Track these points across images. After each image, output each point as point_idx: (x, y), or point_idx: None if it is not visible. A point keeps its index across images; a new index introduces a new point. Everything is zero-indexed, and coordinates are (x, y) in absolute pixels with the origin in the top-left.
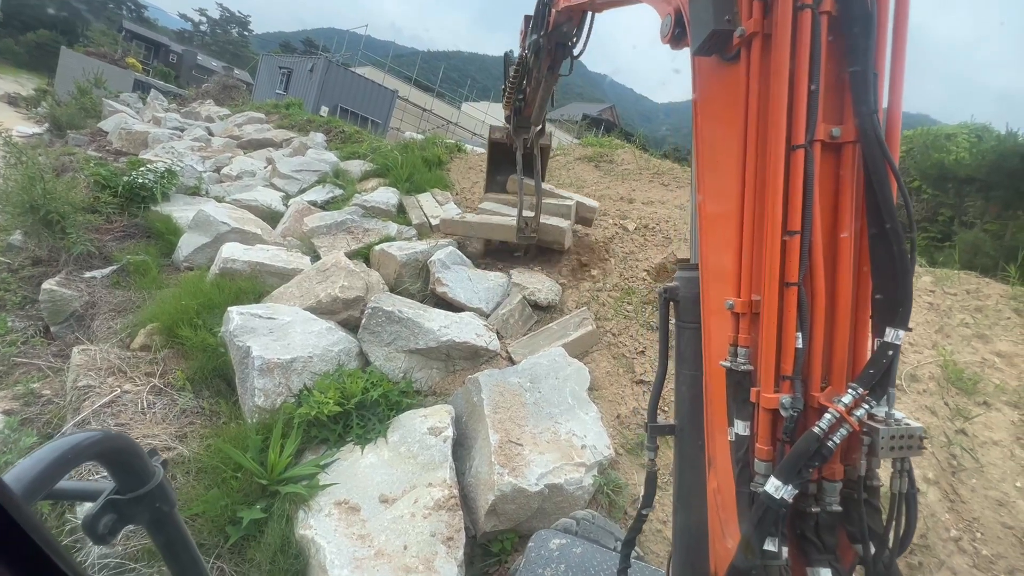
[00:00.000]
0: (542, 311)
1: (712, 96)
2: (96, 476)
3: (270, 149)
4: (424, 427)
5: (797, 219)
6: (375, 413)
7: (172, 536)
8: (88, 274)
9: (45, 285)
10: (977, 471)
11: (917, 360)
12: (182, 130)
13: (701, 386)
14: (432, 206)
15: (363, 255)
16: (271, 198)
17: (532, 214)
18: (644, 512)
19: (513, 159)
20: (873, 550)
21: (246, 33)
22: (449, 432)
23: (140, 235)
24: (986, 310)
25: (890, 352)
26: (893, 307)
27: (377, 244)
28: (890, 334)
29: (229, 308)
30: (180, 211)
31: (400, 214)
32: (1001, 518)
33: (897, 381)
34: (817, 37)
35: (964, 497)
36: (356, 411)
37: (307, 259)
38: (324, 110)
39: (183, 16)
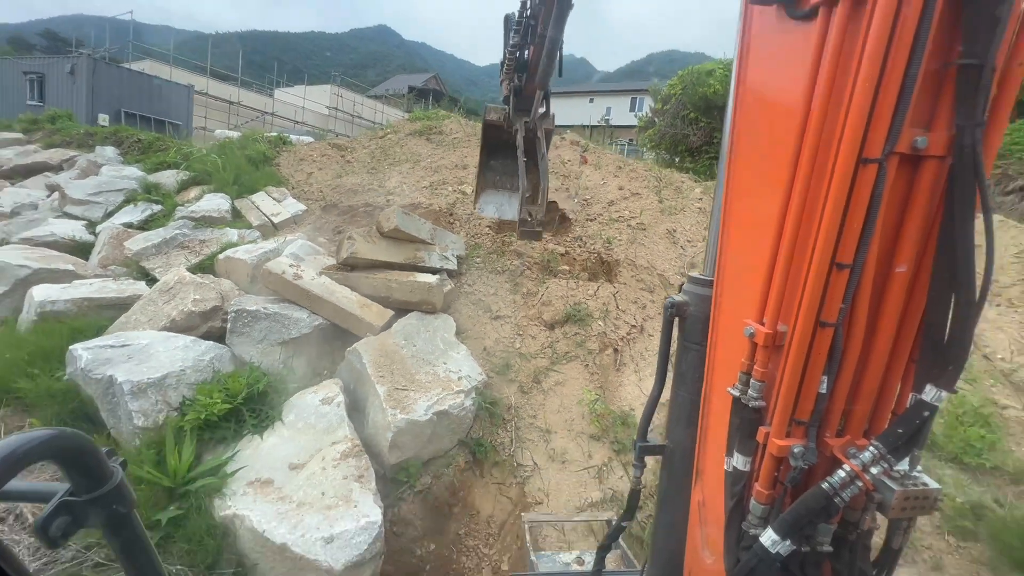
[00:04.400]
0: None
1: (764, 65)
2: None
3: (47, 174)
4: (316, 400)
5: (850, 249)
6: (265, 403)
7: (129, 538)
8: None
9: None
10: None
11: (693, 252)
12: None
13: (698, 411)
14: (270, 204)
15: (206, 267)
16: (71, 229)
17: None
18: (624, 524)
19: (509, 145)
20: None
21: None
22: (341, 399)
23: None
24: None
25: (925, 413)
26: (941, 363)
27: (220, 253)
28: (931, 393)
29: (71, 347)
30: None
31: (236, 219)
32: None
33: None
34: (930, 8)
35: None
36: (246, 406)
37: (142, 283)
38: (103, 118)
39: None
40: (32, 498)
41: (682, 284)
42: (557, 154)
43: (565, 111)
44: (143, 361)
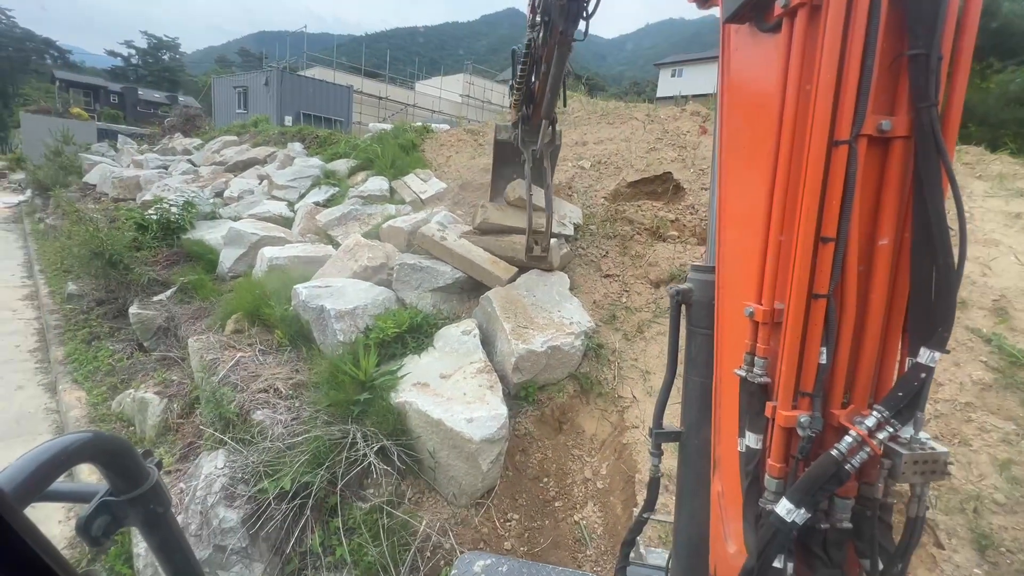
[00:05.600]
0: None
1: (743, 73)
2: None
3: (257, 167)
4: (458, 332)
5: (833, 224)
6: (421, 332)
7: (166, 537)
8: (156, 298)
9: (132, 310)
10: None
11: None
12: (166, 167)
13: (710, 393)
14: (418, 184)
15: (373, 234)
16: (278, 207)
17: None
18: (645, 516)
19: (517, 157)
20: (881, 566)
21: (178, 56)
22: (476, 332)
23: (182, 260)
24: None
25: (922, 375)
26: (931, 326)
27: (383, 223)
28: (925, 355)
29: (295, 287)
30: (208, 234)
31: (393, 196)
32: None
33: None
34: (876, 10)
35: None
36: (408, 333)
37: (329, 247)
38: (288, 120)
39: (111, 52)
40: (74, 498)
41: (687, 274)
42: (676, 126)
43: (696, 79)
44: (340, 297)
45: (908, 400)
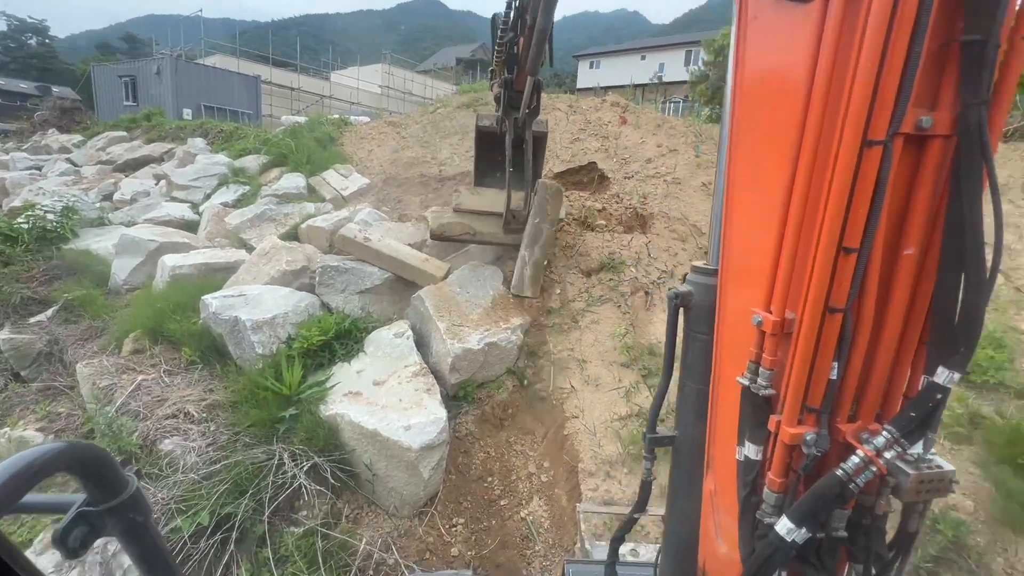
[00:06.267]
0: None
1: (762, 48)
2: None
3: (153, 166)
4: (391, 335)
5: (857, 233)
6: (351, 337)
7: (147, 547)
8: (33, 319)
9: (2, 335)
10: None
11: None
12: (39, 168)
13: (706, 400)
14: (339, 180)
15: (291, 235)
16: (179, 210)
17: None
18: (635, 516)
19: (501, 151)
20: (874, 571)
21: (47, 41)
22: (409, 333)
23: (64, 274)
24: None
25: (938, 395)
26: (952, 344)
27: (301, 223)
28: (943, 376)
29: (203, 297)
30: (95, 243)
31: (312, 194)
32: None
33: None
34: None
35: None
36: (336, 340)
37: (243, 252)
38: (187, 113)
39: None
40: (50, 510)
41: (685, 275)
42: (597, 116)
43: (613, 71)
44: (257, 306)
45: (920, 420)
